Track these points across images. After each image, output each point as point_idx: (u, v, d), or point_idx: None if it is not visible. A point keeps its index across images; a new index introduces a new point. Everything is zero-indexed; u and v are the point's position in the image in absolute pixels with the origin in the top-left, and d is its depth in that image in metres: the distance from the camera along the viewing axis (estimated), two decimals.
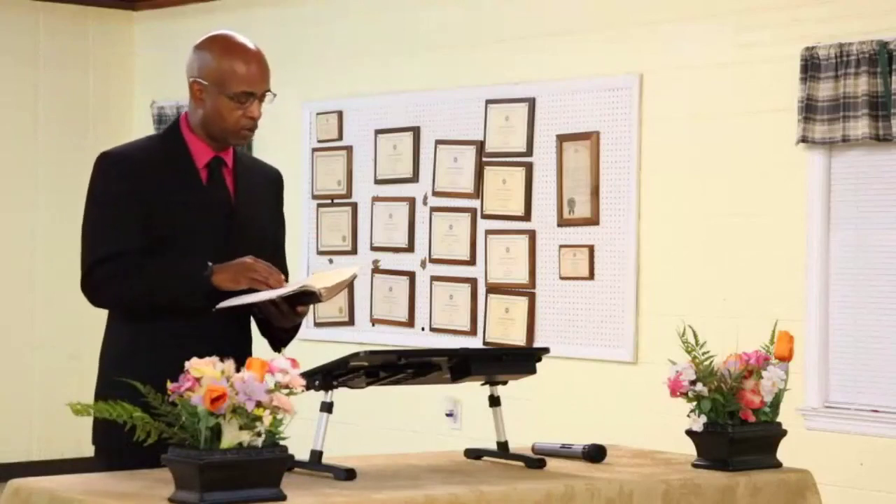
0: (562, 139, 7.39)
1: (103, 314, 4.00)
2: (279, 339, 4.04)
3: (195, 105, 3.90)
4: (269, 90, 3.90)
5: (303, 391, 3.16)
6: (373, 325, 8.25)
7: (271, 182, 4.17)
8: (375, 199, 8.29)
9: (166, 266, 3.81)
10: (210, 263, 3.79)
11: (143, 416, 3.10)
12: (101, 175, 3.86)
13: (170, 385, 3.08)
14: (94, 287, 3.81)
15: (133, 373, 3.61)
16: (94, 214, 3.85)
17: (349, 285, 3.89)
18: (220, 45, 3.89)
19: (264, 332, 4.05)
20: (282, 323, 3.91)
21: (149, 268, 3.80)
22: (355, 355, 3.59)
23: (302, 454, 3.52)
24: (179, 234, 3.84)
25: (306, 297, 3.83)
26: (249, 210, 4.00)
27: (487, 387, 3.92)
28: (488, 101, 7.74)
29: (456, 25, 7.98)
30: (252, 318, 4.03)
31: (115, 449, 3.75)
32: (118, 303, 3.86)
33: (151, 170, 3.85)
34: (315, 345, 8.02)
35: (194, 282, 3.78)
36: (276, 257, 4.09)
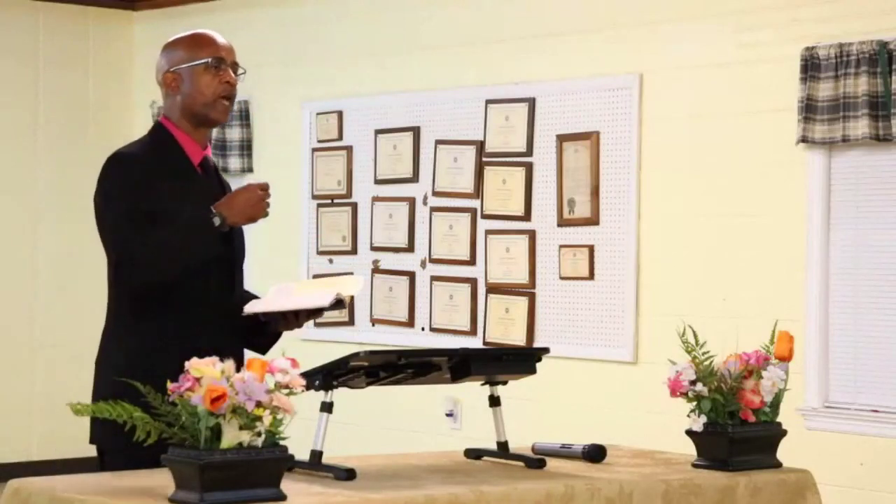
0: (562, 139, 7.39)
1: (102, 314, 4.01)
2: (269, 344, 4.13)
3: (172, 95, 4.01)
4: (237, 62, 4.06)
5: (303, 391, 3.16)
6: (373, 325, 8.25)
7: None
8: (375, 199, 8.28)
9: (181, 233, 3.87)
10: (213, 213, 3.88)
11: (143, 415, 3.10)
12: (119, 173, 3.93)
13: (170, 385, 3.08)
14: (130, 273, 3.84)
15: (143, 373, 3.65)
16: (117, 209, 3.88)
17: None
18: (185, 37, 4.06)
19: (250, 338, 4.09)
20: (286, 328, 4.03)
21: (167, 240, 3.85)
22: (355, 355, 3.60)
23: (302, 454, 3.52)
24: None
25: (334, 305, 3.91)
26: None
27: (487, 387, 3.93)
28: (488, 101, 7.74)
29: (456, 25, 7.98)
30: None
31: (119, 449, 3.76)
32: (153, 280, 3.86)
33: (159, 171, 3.94)
34: (315, 345, 8.01)
35: (206, 229, 3.88)
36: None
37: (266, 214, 3.98)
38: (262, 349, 4.13)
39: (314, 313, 3.98)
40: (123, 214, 3.87)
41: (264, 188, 3.96)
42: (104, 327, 4.04)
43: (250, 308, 3.93)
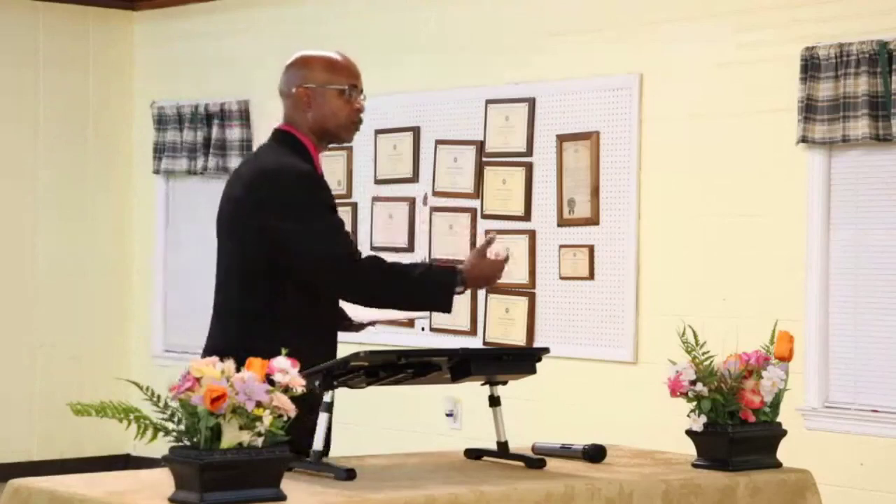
0: (562, 139, 7.39)
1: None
2: None
3: (303, 111, 4.13)
4: (363, 89, 4.19)
5: (303, 391, 3.16)
6: (373, 324, 8.23)
7: None
8: (375, 199, 8.28)
9: (423, 274, 4.07)
10: (460, 272, 4.08)
11: (141, 415, 3.09)
12: (313, 188, 4.04)
13: (169, 384, 3.09)
14: (359, 281, 4.00)
15: None
16: (323, 217, 4.01)
17: None
18: (322, 57, 4.19)
19: None
20: (348, 330, 4.32)
21: (409, 273, 4.06)
22: (355, 355, 3.60)
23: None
24: None
25: None
26: None
27: (487, 387, 3.93)
28: (488, 101, 7.74)
29: (456, 26, 7.98)
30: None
31: None
32: (374, 298, 4.10)
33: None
34: None
35: (446, 293, 4.06)
36: None
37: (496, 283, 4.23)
38: None
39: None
40: (331, 224, 4.01)
41: (507, 260, 4.19)
42: (227, 326, 4.10)
43: (361, 317, 4.16)
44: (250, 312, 4.05)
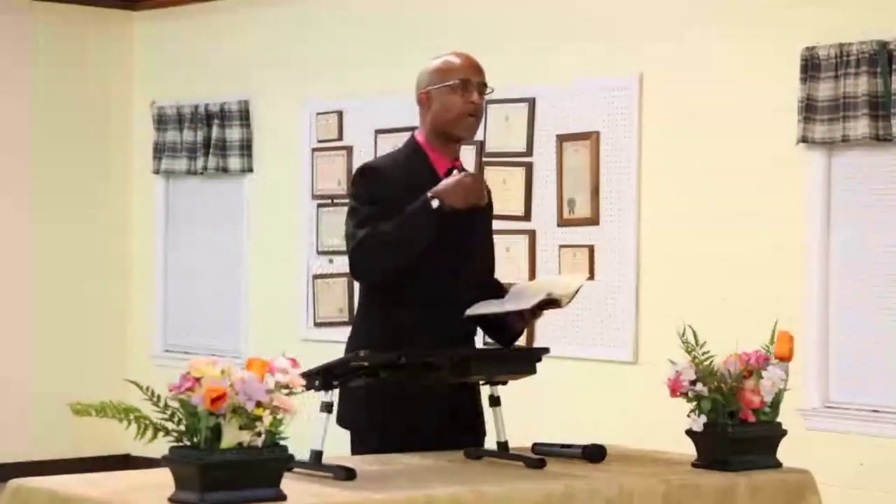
0: (562, 139, 7.38)
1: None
2: (510, 338, 4.31)
3: (424, 114, 4.32)
4: (485, 83, 4.32)
5: (303, 391, 3.16)
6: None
7: None
8: None
9: (399, 221, 4.10)
10: (430, 198, 4.10)
11: (141, 415, 3.09)
12: (363, 184, 4.23)
13: (169, 384, 3.09)
14: (356, 264, 4.15)
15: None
16: (357, 217, 4.18)
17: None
18: (439, 60, 4.37)
19: (491, 332, 4.35)
20: (518, 326, 4.24)
21: (385, 228, 4.08)
22: (355, 355, 3.61)
23: (302, 454, 3.52)
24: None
25: (547, 305, 4.07)
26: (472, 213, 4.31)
27: (487, 387, 3.93)
28: (488, 101, 7.69)
29: (456, 25, 7.98)
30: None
31: (370, 426, 4.09)
32: (378, 269, 4.15)
33: (403, 183, 4.17)
34: (315, 345, 8.03)
35: (429, 218, 4.09)
36: (490, 251, 4.47)
37: (485, 201, 4.25)
38: (507, 344, 4.32)
39: (542, 309, 4.13)
40: (360, 223, 4.14)
41: (477, 177, 4.29)
42: (356, 316, 4.43)
43: (469, 311, 4.12)
44: (361, 301, 4.40)
